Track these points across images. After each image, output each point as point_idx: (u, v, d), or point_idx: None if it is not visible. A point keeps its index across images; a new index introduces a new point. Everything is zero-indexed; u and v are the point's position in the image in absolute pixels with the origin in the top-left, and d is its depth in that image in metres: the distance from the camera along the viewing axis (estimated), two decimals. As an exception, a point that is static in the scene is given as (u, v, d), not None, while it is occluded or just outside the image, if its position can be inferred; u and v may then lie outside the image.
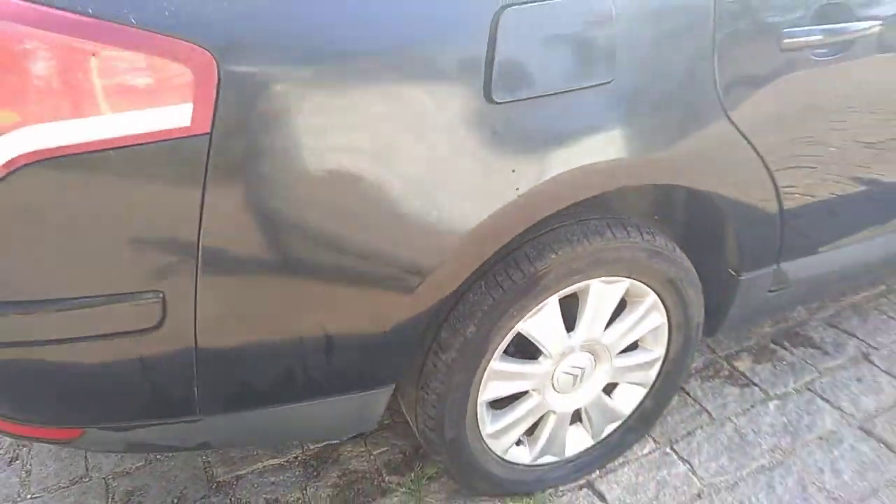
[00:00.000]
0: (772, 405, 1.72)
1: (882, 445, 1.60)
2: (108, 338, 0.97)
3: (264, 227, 0.94)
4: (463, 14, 0.95)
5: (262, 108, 0.88)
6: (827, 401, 1.73)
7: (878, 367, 1.84)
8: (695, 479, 1.52)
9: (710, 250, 1.42)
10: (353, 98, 0.92)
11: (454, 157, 0.99)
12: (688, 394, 1.74)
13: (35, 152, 0.84)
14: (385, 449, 1.60)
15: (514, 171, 1.02)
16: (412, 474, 1.53)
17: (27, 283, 0.93)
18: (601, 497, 1.48)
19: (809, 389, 1.76)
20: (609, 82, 1.04)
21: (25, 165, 0.84)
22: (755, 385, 1.78)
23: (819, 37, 1.20)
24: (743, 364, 1.85)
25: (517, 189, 1.03)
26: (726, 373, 1.82)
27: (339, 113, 0.92)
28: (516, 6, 0.96)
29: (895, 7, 1.26)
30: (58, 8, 0.81)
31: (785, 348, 1.90)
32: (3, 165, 0.84)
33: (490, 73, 0.96)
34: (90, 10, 0.82)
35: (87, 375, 1.01)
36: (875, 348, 1.90)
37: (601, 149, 1.07)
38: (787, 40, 1.17)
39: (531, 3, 0.97)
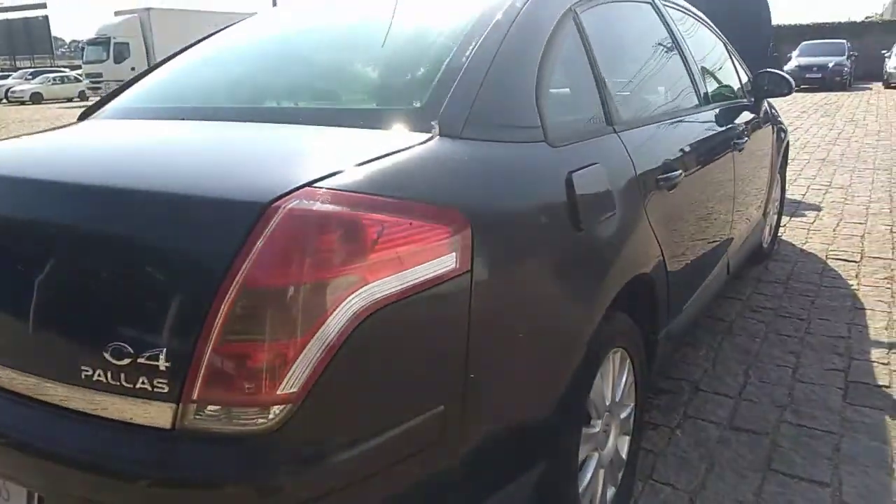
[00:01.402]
0: (678, 432, 2.36)
1: (749, 433, 2.35)
2: (399, 464, 1.12)
3: (511, 337, 1.27)
4: (555, 177, 1.48)
5: (498, 248, 1.25)
6: (702, 419, 2.44)
7: (707, 391, 2.65)
8: (681, 493, 2.03)
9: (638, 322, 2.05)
10: (521, 237, 1.35)
11: (574, 268, 1.46)
12: (629, 445, 2.27)
13: (369, 306, 1.05)
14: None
15: (597, 272, 1.52)
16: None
17: (348, 426, 1.06)
18: (643, 527, 1.88)
19: (689, 416, 2.46)
20: (615, 212, 1.65)
21: (366, 317, 1.04)
22: (659, 425, 2.41)
23: (665, 180, 2.01)
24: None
25: (601, 285, 1.52)
26: (637, 425, 2.42)
27: (524, 248, 1.33)
28: (577, 171, 1.52)
29: (692, 163, 2.18)
30: (387, 196, 1.10)
31: (654, 397, 2.60)
32: (355, 317, 1.03)
33: (574, 211, 1.48)
34: (394, 194, 1.12)
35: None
36: (697, 381, 2.73)
37: (628, 251, 1.65)
38: (658, 181, 1.96)
39: (584, 168, 1.54)
